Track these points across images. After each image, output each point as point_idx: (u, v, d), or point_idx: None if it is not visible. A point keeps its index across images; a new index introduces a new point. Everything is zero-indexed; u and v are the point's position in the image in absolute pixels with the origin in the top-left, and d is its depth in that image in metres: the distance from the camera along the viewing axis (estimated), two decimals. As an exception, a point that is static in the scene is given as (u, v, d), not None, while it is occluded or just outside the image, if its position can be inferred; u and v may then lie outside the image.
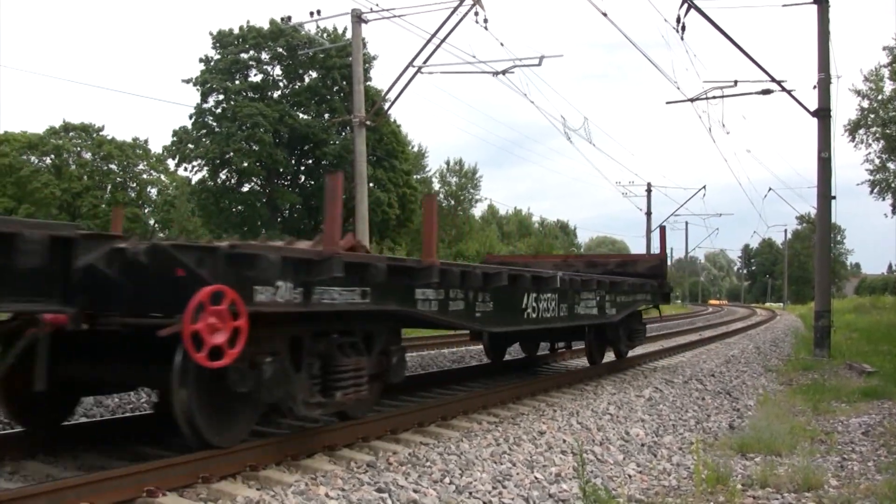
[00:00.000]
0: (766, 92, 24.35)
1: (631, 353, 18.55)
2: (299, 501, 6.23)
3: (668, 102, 29.12)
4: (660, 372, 17.06)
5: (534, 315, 11.36)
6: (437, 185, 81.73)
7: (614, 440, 9.29)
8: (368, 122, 28.76)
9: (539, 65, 26.24)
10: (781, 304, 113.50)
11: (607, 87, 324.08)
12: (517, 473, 7.44)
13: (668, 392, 13.52)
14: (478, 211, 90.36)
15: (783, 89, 22.84)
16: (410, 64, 25.77)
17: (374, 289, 7.76)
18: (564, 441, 9.03)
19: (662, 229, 18.10)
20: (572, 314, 12.77)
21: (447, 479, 7.11)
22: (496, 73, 27.15)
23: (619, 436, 9.55)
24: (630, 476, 7.71)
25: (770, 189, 65.04)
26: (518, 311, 10.99)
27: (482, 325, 10.26)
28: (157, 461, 6.75)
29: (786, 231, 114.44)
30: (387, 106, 31.42)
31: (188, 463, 6.67)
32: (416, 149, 73.84)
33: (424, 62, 25.77)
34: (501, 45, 63.69)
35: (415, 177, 64.52)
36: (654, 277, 17.50)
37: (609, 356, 17.21)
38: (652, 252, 79.39)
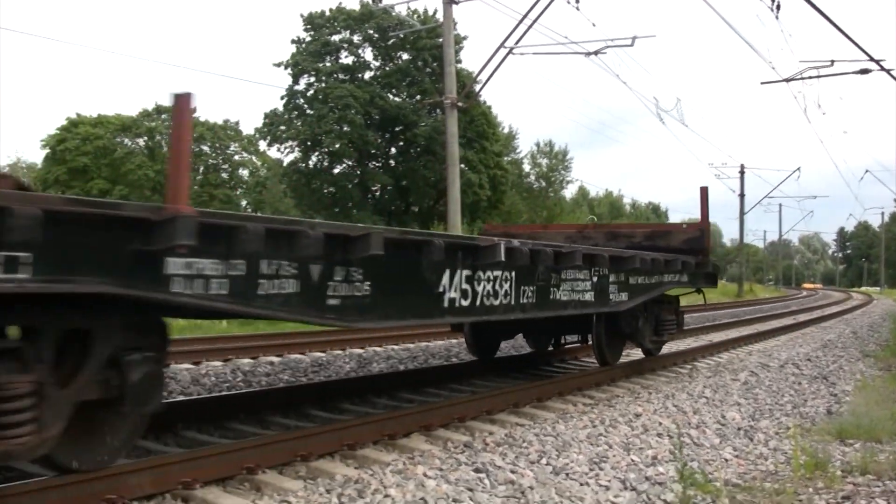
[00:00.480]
0: (865, 72, 23.83)
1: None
2: (398, 480, 6.31)
3: (762, 83, 28.96)
4: (755, 356, 16.86)
5: (464, 302, 7.65)
6: (527, 167, 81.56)
7: (710, 424, 9.22)
8: (460, 104, 28.77)
9: (631, 45, 25.95)
10: (878, 288, 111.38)
11: (700, 68, 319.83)
12: (613, 455, 7.45)
13: (763, 376, 13.37)
14: (569, 192, 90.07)
15: (882, 69, 22.33)
16: (502, 45, 25.69)
17: (42, 254, 4.35)
18: (660, 424, 9.00)
19: (704, 190, 13.85)
20: (546, 301, 9.08)
21: (544, 460, 7.15)
22: (588, 54, 26.93)
23: (715, 419, 9.48)
24: (727, 460, 7.66)
25: (867, 171, 64.06)
26: (429, 296, 7.26)
27: (343, 319, 6.37)
28: (257, 438, 6.89)
29: (883, 214, 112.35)
30: (478, 87, 31.40)
31: (287, 441, 6.82)
32: (506, 130, 73.68)
33: (516, 43, 25.69)
34: (593, 25, 63.35)
35: (505, 158, 64.35)
36: (693, 253, 13.48)
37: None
38: (740, 235, 78.26)
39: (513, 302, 8.46)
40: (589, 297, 10.02)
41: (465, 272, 7.64)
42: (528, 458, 7.19)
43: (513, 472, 6.71)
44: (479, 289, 7.87)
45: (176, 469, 5.85)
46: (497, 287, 8.15)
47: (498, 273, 8.12)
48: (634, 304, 11.45)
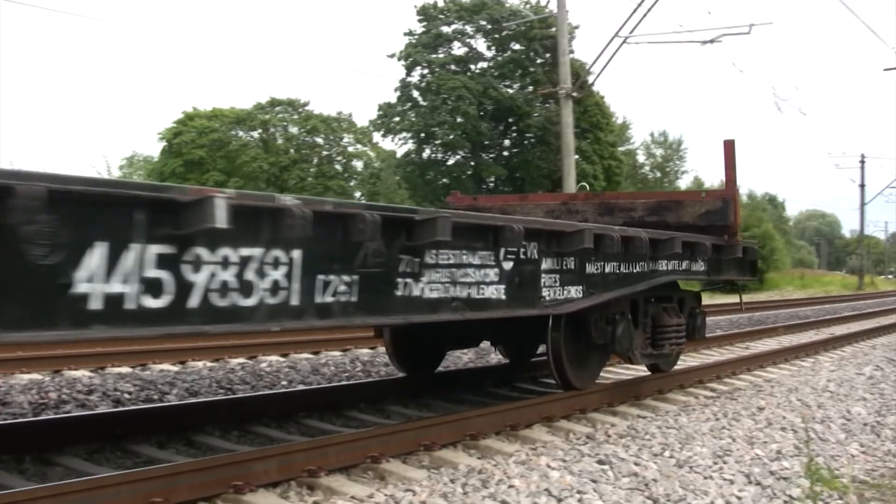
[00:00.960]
0: None
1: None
2: (521, 471, 6.33)
3: (885, 69, 28.17)
4: (879, 349, 16.48)
5: (152, 302, 4.35)
6: (641, 158, 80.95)
7: (835, 419, 9.05)
8: (574, 94, 28.68)
9: (748, 33, 25.60)
10: None
11: (819, 55, 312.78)
12: (737, 449, 7.36)
13: (889, 370, 13.05)
14: (683, 183, 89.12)
15: None
16: (616, 34, 25.55)
17: None
18: (784, 418, 8.86)
19: (728, 145, 10.24)
20: (386, 299, 5.68)
21: (667, 453, 7.09)
22: (704, 43, 26.64)
23: (841, 414, 9.30)
24: (853, 456, 7.51)
25: None
26: (28, 290, 3.84)
27: None
28: (379, 428, 6.98)
29: None
30: (592, 78, 31.25)
31: (410, 430, 6.87)
32: (620, 120, 73.16)
33: (630, 32, 25.52)
34: (709, 13, 62.51)
35: (619, 149, 63.90)
36: (714, 231, 9.93)
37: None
38: (848, 223, 75.91)
39: (295, 301, 5.01)
40: (493, 292, 6.61)
41: (158, 249, 4.36)
42: (651, 451, 7.15)
43: (636, 464, 6.68)
44: (199, 278, 4.51)
45: (301, 457, 5.95)
46: (252, 276, 4.77)
47: (254, 252, 4.77)
48: (595, 302, 8.02)
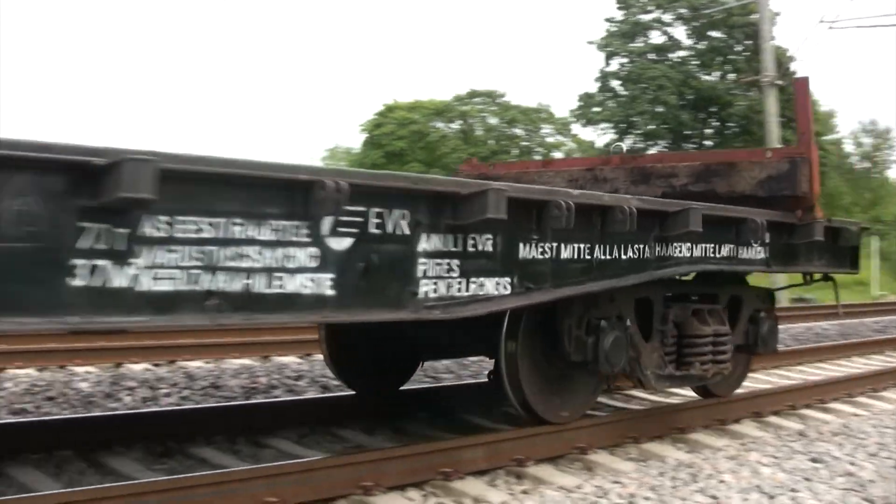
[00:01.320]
0: None
1: None
2: (731, 466, 6.24)
3: None
4: None
5: None
6: (849, 147, 78.17)
7: None
8: (778, 82, 27.98)
9: (967, 14, 24.49)
10: None
11: None
12: (962, 453, 7.07)
13: None
14: (893, 173, 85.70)
15: None
16: (821, 20, 24.85)
17: None
18: None
19: (800, 84, 8.09)
20: (35, 292, 3.28)
21: (884, 454, 6.84)
22: (918, 25, 25.63)
23: None
24: None
25: None
26: None
27: None
28: (586, 419, 6.95)
29: None
30: (795, 65, 30.47)
31: (617, 422, 6.90)
32: (825, 109, 70.80)
33: (836, 17, 24.78)
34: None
35: (825, 138, 61.87)
36: (778, 204, 7.15)
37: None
38: None
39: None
40: (306, 284, 4.14)
41: None
42: (867, 451, 6.91)
43: (851, 464, 6.49)
44: None
45: (508, 446, 5.99)
46: None
47: None
48: (535, 301, 5.38)
